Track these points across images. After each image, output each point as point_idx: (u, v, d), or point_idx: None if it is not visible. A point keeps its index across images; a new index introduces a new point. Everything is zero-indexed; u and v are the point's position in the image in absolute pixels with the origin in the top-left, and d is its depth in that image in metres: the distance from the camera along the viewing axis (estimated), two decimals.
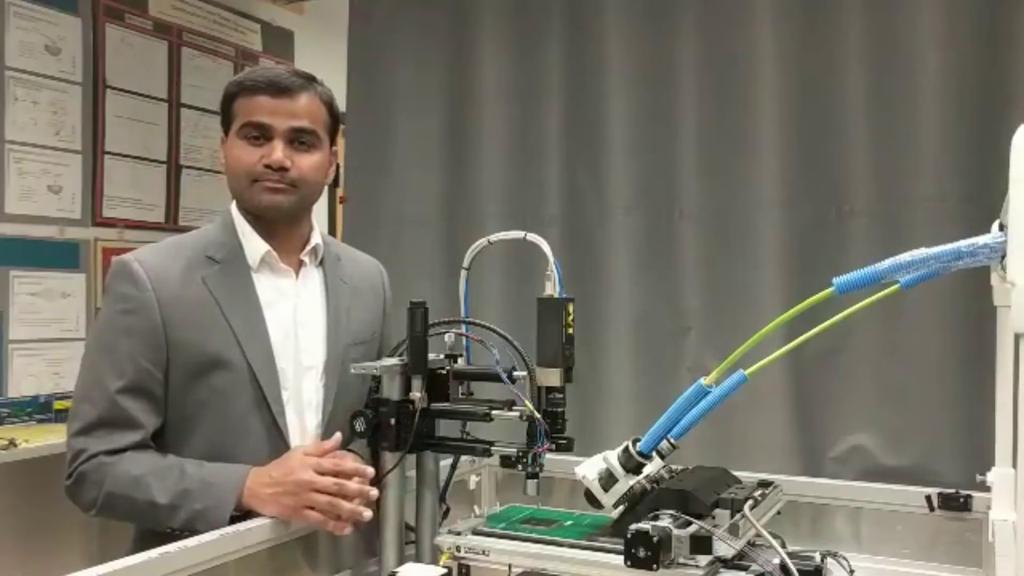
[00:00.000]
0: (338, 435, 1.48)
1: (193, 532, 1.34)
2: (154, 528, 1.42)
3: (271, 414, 1.52)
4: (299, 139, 1.56)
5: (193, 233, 1.64)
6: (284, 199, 1.56)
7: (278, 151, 1.53)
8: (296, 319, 1.59)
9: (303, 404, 1.58)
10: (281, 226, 1.60)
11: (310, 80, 1.60)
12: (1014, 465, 1.22)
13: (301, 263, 1.64)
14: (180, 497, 1.40)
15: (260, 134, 1.54)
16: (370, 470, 1.43)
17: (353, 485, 1.39)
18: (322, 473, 1.39)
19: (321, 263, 1.67)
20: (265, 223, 1.58)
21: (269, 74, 1.57)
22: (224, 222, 1.61)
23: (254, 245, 1.58)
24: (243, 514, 1.40)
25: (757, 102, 2.39)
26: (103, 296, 1.54)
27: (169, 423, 1.51)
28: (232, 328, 1.50)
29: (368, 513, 1.41)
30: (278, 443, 1.53)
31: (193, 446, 1.50)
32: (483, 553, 1.42)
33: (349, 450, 1.50)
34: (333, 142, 1.66)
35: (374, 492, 1.42)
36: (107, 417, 1.45)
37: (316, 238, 1.66)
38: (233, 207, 1.62)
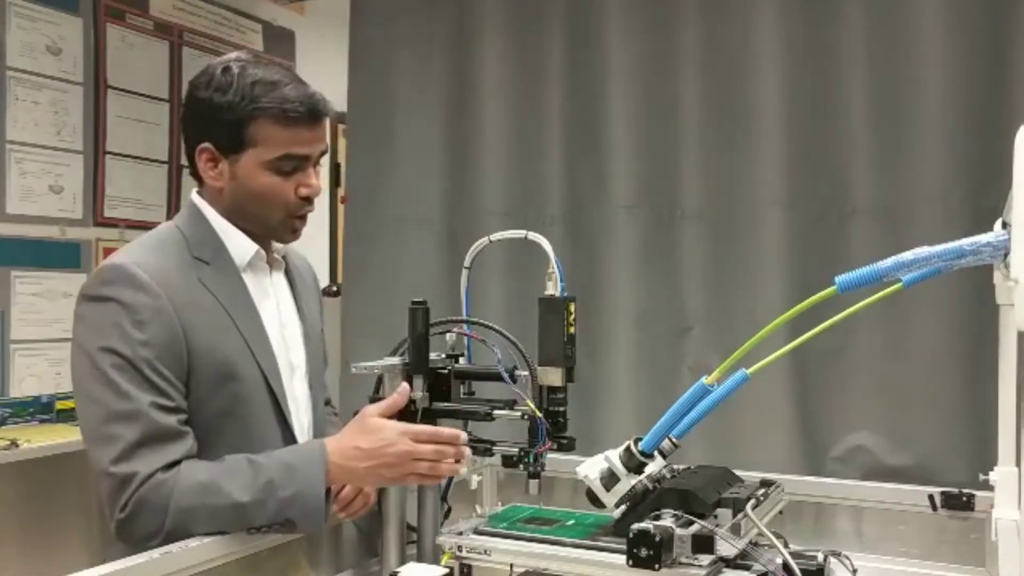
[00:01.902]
0: (405, 385, 1.43)
1: (283, 525, 1.31)
2: (235, 532, 1.31)
3: (284, 417, 1.49)
4: (318, 160, 1.51)
5: (168, 230, 1.50)
6: (299, 235, 1.53)
7: (315, 180, 1.47)
8: (281, 320, 1.56)
9: (298, 404, 1.56)
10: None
11: (323, 96, 1.50)
12: (1017, 464, 1.22)
13: (273, 262, 1.58)
14: (264, 490, 1.30)
15: (294, 166, 1.45)
16: (463, 435, 1.40)
17: (450, 449, 1.37)
18: (420, 441, 1.35)
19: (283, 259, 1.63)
20: (247, 230, 1.51)
21: (301, 99, 1.43)
22: (196, 218, 1.49)
23: (241, 245, 1.49)
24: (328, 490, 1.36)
25: (760, 100, 2.39)
26: (91, 306, 1.38)
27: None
28: (242, 333, 1.44)
29: (463, 469, 1.41)
30: (291, 445, 1.48)
31: (214, 458, 1.37)
32: (485, 553, 1.42)
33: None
34: None
35: (468, 452, 1.40)
36: (151, 432, 1.31)
37: None
38: (198, 198, 1.51)
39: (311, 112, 1.43)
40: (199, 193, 1.52)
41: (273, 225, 1.49)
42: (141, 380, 1.32)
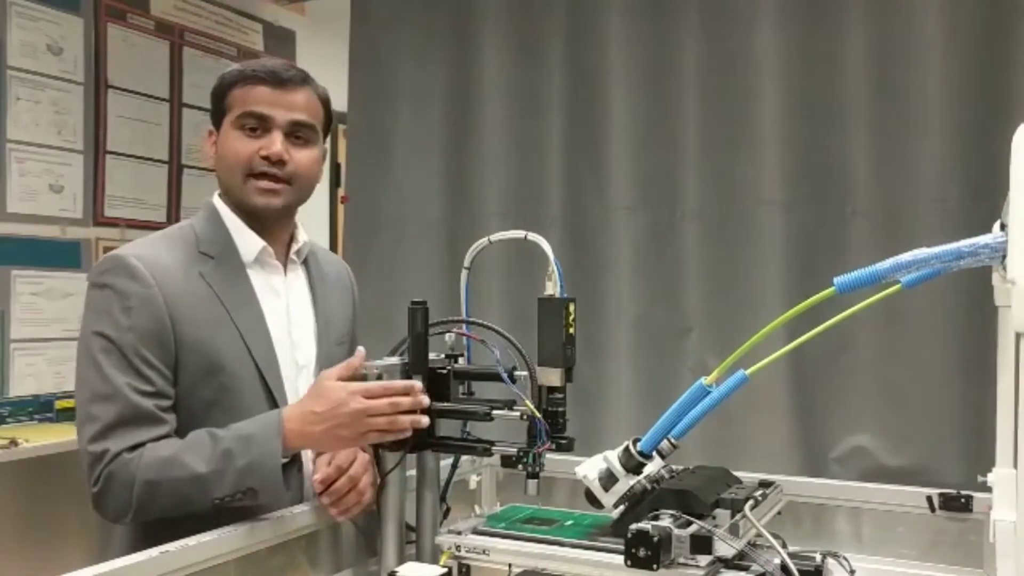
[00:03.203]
0: (361, 349, 1.44)
1: (244, 495, 1.32)
2: (201, 506, 1.33)
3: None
4: (296, 133, 1.54)
5: (181, 227, 1.58)
6: (279, 201, 1.53)
7: (277, 143, 1.51)
8: (289, 317, 1.58)
9: None
10: (271, 222, 1.58)
11: (308, 76, 1.58)
12: (1015, 465, 1.22)
13: (288, 260, 1.62)
14: (222, 460, 1.33)
15: (258, 125, 1.51)
16: (418, 384, 1.39)
17: (406, 399, 1.37)
18: (372, 396, 1.36)
19: (305, 261, 1.66)
20: (256, 219, 1.56)
21: (269, 65, 1.54)
22: (209, 215, 1.56)
23: (249, 241, 1.55)
24: (290, 459, 1.38)
25: (759, 102, 2.39)
26: (92, 292, 1.45)
27: (178, 422, 1.45)
28: (237, 326, 1.48)
29: (425, 420, 1.38)
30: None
31: None
32: (483, 553, 1.42)
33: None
34: (325, 140, 1.65)
35: (426, 400, 1.39)
36: (127, 415, 1.38)
37: (302, 235, 1.64)
38: (217, 199, 1.58)
39: (272, 75, 1.52)
40: (219, 195, 1.59)
41: (238, 189, 1.53)
42: (124, 364, 1.39)
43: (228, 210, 1.56)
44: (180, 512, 1.35)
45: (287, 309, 1.59)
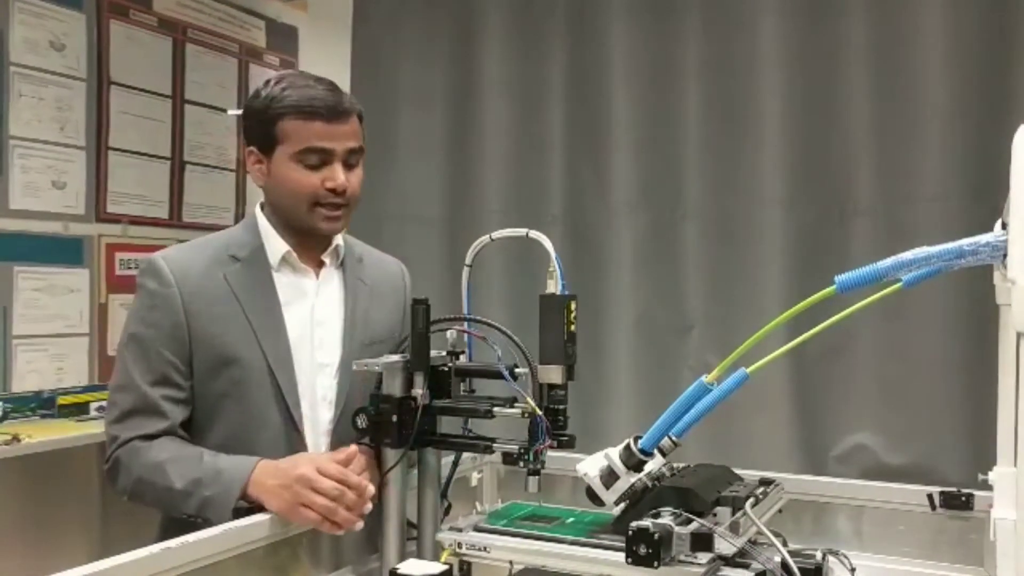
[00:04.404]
0: (353, 447, 1.47)
1: (206, 521, 1.39)
2: (176, 513, 1.46)
3: (287, 407, 1.57)
4: (350, 159, 1.59)
5: (220, 233, 1.69)
6: (342, 224, 1.62)
7: (340, 175, 1.56)
8: (313, 318, 1.63)
9: (317, 399, 1.62)
10: (304, 231, 1.63)
11: (353, 100, 1.62)
12: (1015, 464, 1.22)
13: (322, 263, 1.67)
14: (193, 484, 1.44)
15: (319, 160, 1.56)
16: (371, 489, 1.42)
17: (351, 495, 1.39)
18: (325, 474, 1.39)
19: (342, 264, 1.70)
20: (293, 228, 1.62)
21: (322, 96, 1.56)
22: (248, 224, 1.65)
23: (275, 245, 1.62)
24: (253, 506, 1.41)
25: (761, 101, 2.39)
26: (137, 292, 1.60)
27: (194, 414, 1.56)
28: (251, 324, 1.56)
29: (360, 524, 1.41)
30: (293, 436, 1.57)
31: (215, 436, 1.55)
32: (484, 550, 1.42)
33: (361, 443, 1.49)
34: None
35: (368, 506, 1.42)
36: (139, 406, 1.51)
37: (338, 239, 1.69)
38: (258, 210, 1.66)
39: (329, 108, 1.55)
40: (261, 205, 1.67)
41: (303, 217, 1.59)
42: (143, 359, 1.53)
43: (264, 219, 1.64)
44: (165, 512, 1.54)
45: (312, 310, 1.63)
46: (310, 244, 1.65)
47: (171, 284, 1.53)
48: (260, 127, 1.58)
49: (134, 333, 1.55)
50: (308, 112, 1.54)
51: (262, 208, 1.67)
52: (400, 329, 1.76)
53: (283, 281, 1.62)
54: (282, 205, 1.61)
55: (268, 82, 1.60)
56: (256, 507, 1.41)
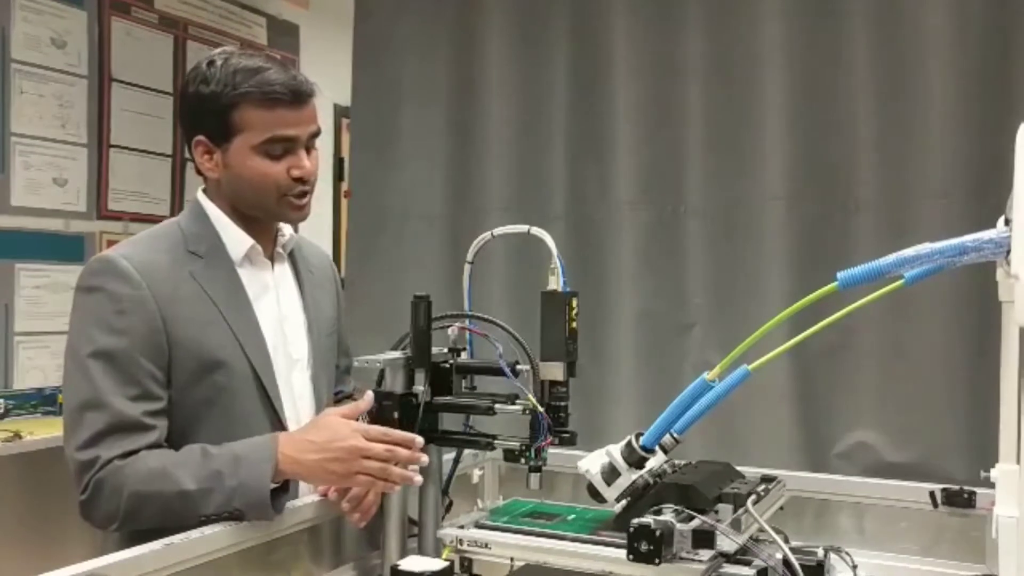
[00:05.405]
0: (370, 394, 1.43)
1: (230, 517, 1.30)
2: (188, 521, 1.30)
3: (274, 409, 1.50)
4: (309, 143, 1.51)
5: (166, 225, 1.55)
6: (309, 210, 1.53)
7: (307, 162, 1.48)
8: (280, 313, 1.57)
9: (295, 397, 1.56)
10: (267, 222, 1.56)
11: (305, 77, 1.52)
12: (1018, 461, 1.21)
13: (275, 255, 1.60)
14: (211, 479, 1.31)
15: (283, 148, 1.47)
16: (419, 439, 1.38)
17: (403, 451, 1.35)
18: (371, 439, 1.35)
19: (291, 254, 1.64)
20: (248, 218, 1.53)
21: (283, 81, 1.45)
22: (197, 215, 1.53)
23: (236, 239, 1.52)
24: (280, 484, 1.36)
25: (763, 97, 2.39)
26: (81, 296, 1.42)
27: (173, 424, 1.43)
28: (230, 325, 1.46)
29: (419, 478, 1.38)
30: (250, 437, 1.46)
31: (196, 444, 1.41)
32: (485, 546, 1.42)
33: (339, 397, 1.47)
34: None
35: (424, 458, 1.38)
36: (117, 423, 1.35)
37: (288, 229, 1.62)
38: (203, 197, 1.54)
39: (293, 93, 1.45)
40: (203, 191, 1.55)
41: (271, 208, 1.50)
42: (115, 371, 1.36)
43: (215, 208, 1.52)
44: (167, 524, 1.30)
45: (277, 304, 1.57)
46: (266, 236, 1.56)
47: (141, 286, 1.38)
48: (211, 116, 1.45)
49: (98, 342, 1.37)
50: (271, 99, 1.43)
51: (206, 196, 1.54)
52: (337, 320, 1.73)
53: (246, 276, 1.52)
54: (244, 197, 1.49)
55: (211, 63, 1.46)
56: (284, 484, 1.37)
